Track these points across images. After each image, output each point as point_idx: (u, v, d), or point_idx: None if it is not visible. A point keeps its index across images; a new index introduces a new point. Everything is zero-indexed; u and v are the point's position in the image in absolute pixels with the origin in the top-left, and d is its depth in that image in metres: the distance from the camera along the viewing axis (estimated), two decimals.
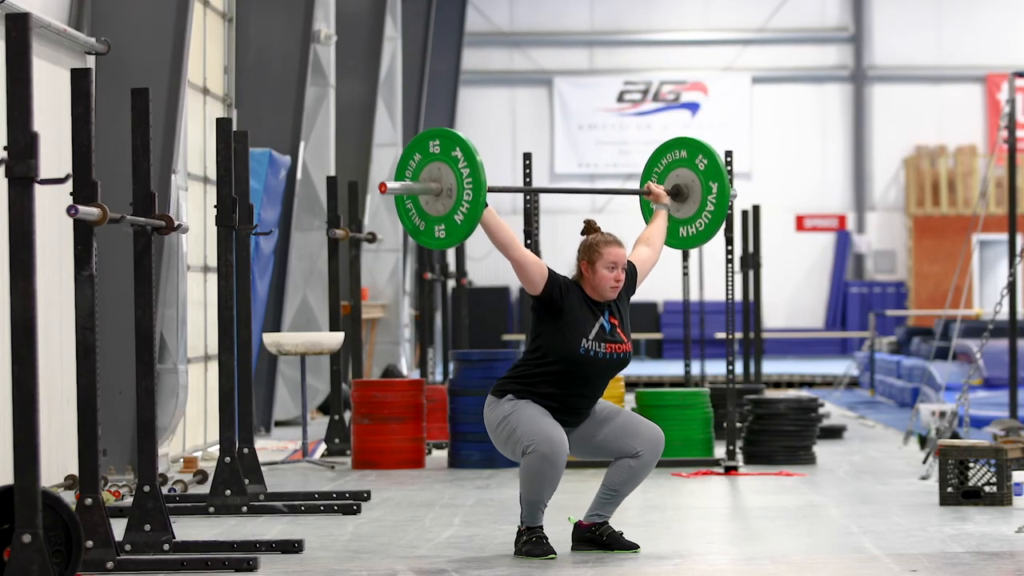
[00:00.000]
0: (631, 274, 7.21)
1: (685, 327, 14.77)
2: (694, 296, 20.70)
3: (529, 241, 10.87)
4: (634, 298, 7.31)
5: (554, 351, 6.97)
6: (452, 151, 6.86)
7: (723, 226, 7.64)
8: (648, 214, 7.58)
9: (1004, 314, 12.63)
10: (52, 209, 9.15)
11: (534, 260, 6.97)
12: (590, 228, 7.19)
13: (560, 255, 31.08)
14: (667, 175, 7.63)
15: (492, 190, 7.00)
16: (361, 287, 13.50)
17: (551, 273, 7.01)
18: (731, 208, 10.18)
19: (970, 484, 8.85)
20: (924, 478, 10.20)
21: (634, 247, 7.37)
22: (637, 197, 7.70)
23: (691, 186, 7.57)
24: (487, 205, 6.84)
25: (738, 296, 14.12)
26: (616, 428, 7.08)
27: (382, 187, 6.85)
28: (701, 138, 7.70)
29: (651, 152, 7.69)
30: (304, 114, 14.59)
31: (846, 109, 32.16)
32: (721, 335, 26.50)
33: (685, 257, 14.24)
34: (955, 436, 11.04)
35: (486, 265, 31.45)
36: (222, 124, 8.87)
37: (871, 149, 32.05)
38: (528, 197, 11.13)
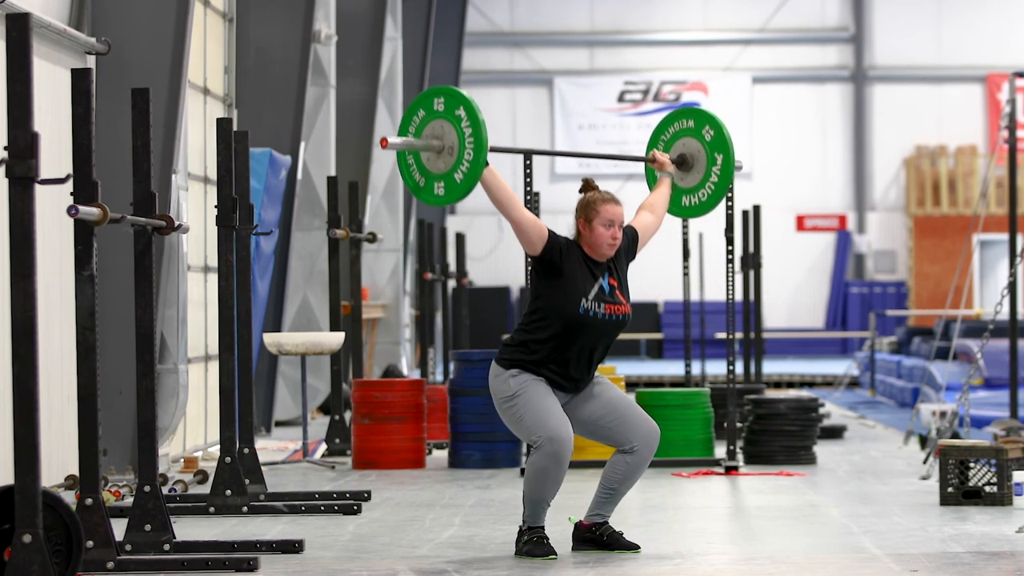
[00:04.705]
0: (632, 238, 7.20)
1: (685, 327, 14.77)
2: (694, 296, 20.72)
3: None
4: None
5: (553, 312, 6.94)
6: (456, 110, 6.86)
7: (726, 197, 7.64)
8: (652, 182, 7.58)
9: (1004, 314, 12.62)
10: (52, 209, 9.15)
11: (533, 221, 6.95)
12: (588, 186, 7.17)
13: None
14: (673, 144, 7.63)
15: (494, 150, 6.99)
16: (361, 287, 13.50)
17: (551, 234, 6.98)
18: (732, 194, 10.15)
19: (970, 484, 8.85)
20: (924, 478, 10.20)
21: (637, 213, 7.36)
22: (643, 174, 7.71)
23: (696, 156, 7.57)
24: (488, 164, 6.84)
25: (738, 296, 14.12)
26: (615, 416, 7.03)
27: (383, 142, 6.86)
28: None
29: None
30: (304, 114, 14.59)
31: (846, 109, 32.17)
32: (721, 335, 26.50)
33: (686, 257, 14.24)
34: (955, 436, 11.04)
35: (487, 265, 31.47)
36: (222, 124, 8.87)
37: (871, 149, 32.06)
38: (528, 197, 11.12)
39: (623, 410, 7.05)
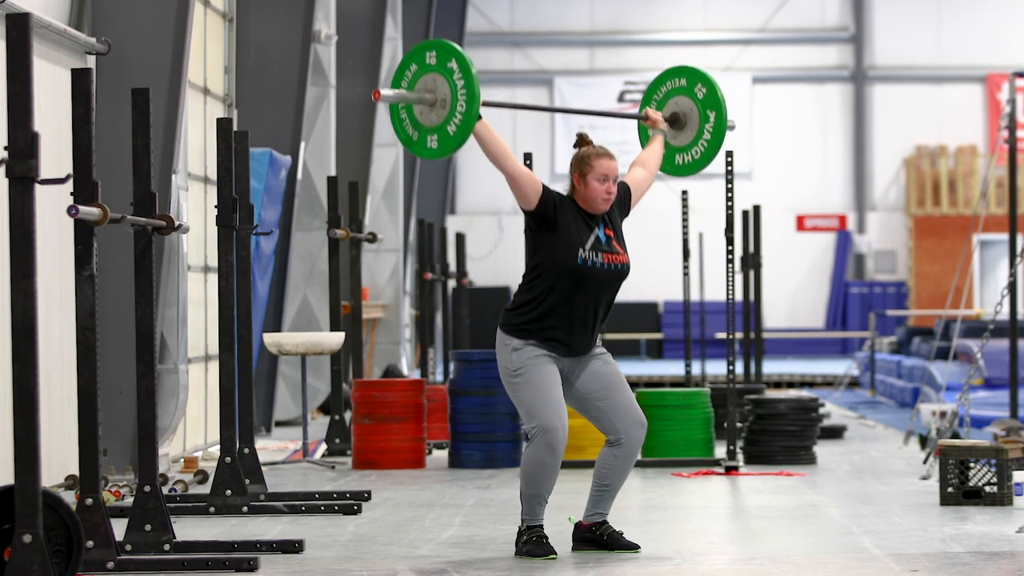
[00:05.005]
0: (625, 193, 7.18)
1: (685, 327, 14.77)
2: (694, 296, 20.71)
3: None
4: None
5: (552, 266, 6.90)
6: (448, 63, 6.86)
7: (719, 154, 7.65)
8: (645, 140, 7.58)
9: (1004, 314, 12.62)
10: (52, 209, 9.15)
11: (527, 174, 6.91)
12: (582, 141, 7.16)
13: None
14: (666, 103, 7.63)
15: (486, 104, 6.98)
16: (361, 287, 13.50)
17: (545, 188, 6.95)
18: (732, 194, 10.18)
19: (971, 484, 8.85)
20: (924, 478, 10.20)
21: (630, 169, 7.36)
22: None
23: (689, 114, 7.57)
24: (480, 117, 6.83)
25: (738, 296, 14.12)
26: (609, 403, 6.99)
27: (376, 94, 6.85)
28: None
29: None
30: (304, 114, 14.59)
31: (846, 109, 32.17)
32: (721, 335, 26.50)
33: (686, 257, 14.24)
34: (955, 436, 11.04)
35: (487, 265, 31.46)
36: (222, 124, 8.87)
37: (871, 149, 32.06)
38: None
39: (617, 398, 7.02)
